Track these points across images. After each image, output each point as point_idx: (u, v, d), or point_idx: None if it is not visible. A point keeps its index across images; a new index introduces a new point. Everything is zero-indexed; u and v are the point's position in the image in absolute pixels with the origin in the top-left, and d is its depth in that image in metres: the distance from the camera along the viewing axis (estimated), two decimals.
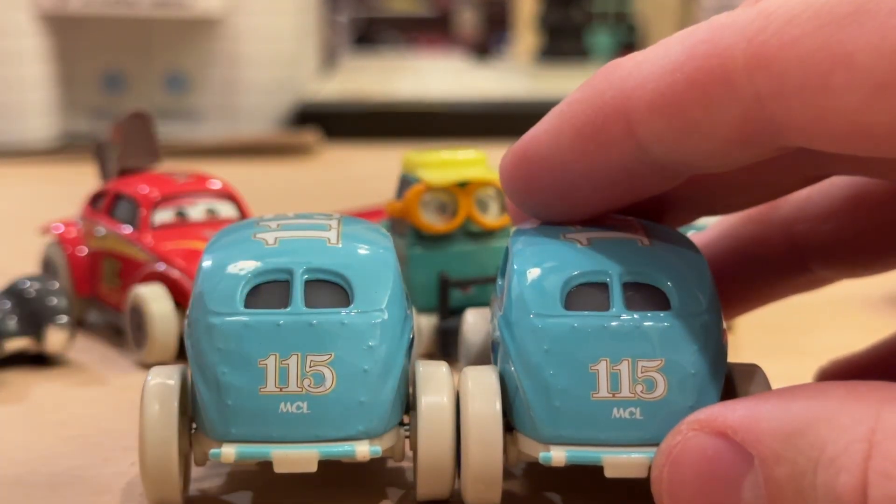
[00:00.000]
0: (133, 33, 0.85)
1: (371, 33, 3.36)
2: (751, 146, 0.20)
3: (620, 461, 0.21)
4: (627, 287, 0.22)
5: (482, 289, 0.35)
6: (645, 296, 0.22)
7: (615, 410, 0.21)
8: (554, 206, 0.24)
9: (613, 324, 0.21)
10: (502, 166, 0.24)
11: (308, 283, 0.22)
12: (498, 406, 0.22)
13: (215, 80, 0.86)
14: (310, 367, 0.22)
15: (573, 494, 0.25)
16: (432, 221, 0.35)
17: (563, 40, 1.60)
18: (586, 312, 0.22)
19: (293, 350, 0.22)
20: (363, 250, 0.23)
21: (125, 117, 0.40)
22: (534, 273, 0.22)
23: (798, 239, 0.27)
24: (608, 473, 0.21)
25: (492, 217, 0.35)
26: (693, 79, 0.19)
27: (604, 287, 0.22)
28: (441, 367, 0.23)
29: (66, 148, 0.78)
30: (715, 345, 0.22)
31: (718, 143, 0.20)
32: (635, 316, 0.22)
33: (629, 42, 1.64)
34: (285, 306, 0.22)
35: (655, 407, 0.21)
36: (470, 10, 3.52)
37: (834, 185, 0.26)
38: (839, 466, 0.17)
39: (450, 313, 0.35)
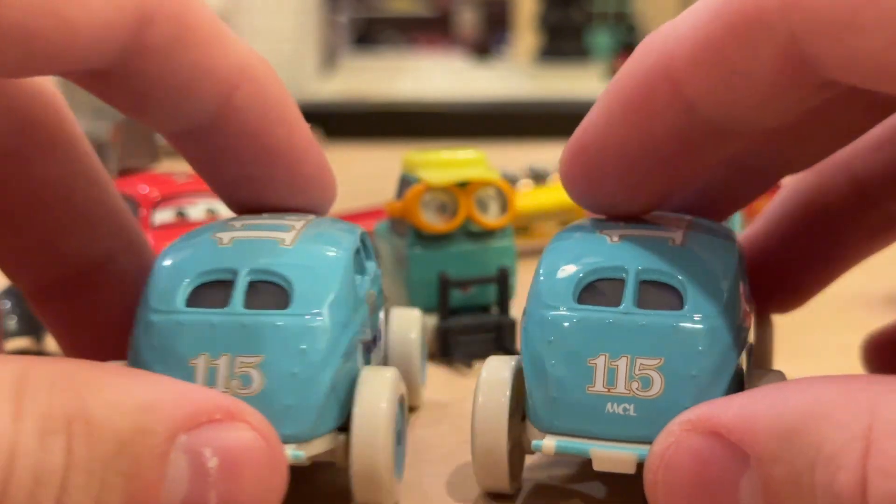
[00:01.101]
0: None
1: (371, 33, 3.37)
2: (793, 87, 0.20)
3: (608, 455, 0.21)
4: (645, 285, 0.22)
5: (482, 289, 0.35)
6: (660, 295, 0.22)
7: (609, 405, 0.21)
8: (616, 195, 0.23)
9: (616, 319, 0.22)
10: (561, 163, 0.23)
11: (252, 283, 0.22)
12: (505, 396, 0.23)
13: None
14: (238, 368, 0.21)
15: (598, 486, 0.25)
16: (432, 221, 0.35)
17: (563, 40, 1.60)
18: (592, 307, 0.22)
19: (224, 350, 0.21)
20: (314, 252, 0.23)
21: (125, 117, 0.40)
22: (554, 267, 0.23)
23: (860, 176, 0.27)
24: (596, 466, 0.22)
25: (492, 217, 0.35)
26: (730, 24, 0.19)
27: (620, 283, 0.22)
28: (385, 373, 0.23)
29: None
30: (722, 349, 0.22)
31: (762, 87, 0.20)
32: (640, 313, 0.22)
33: (629, 42, 1.64)
34: (225, 306, 0.22)
35: (650, 405, 0.21)
36: (470, 10, 3.52)
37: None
38: (837, 465, 0.17)
39: (450, 313, 0.35)
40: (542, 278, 0.23)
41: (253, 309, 0.22)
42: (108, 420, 0.17)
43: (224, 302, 0.22)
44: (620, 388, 0.21)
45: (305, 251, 0.23)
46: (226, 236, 0.23)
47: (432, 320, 0.35)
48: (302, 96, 0.92)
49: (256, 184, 0.24)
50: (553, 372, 0.22)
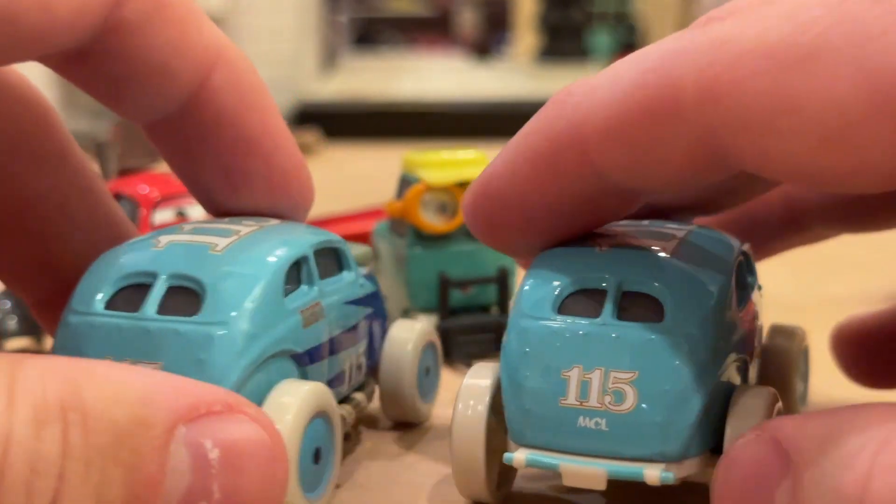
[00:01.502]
0: None
1: (371, 33, 3.37)
2: (706, 171, 0.20)
3: (578, 470, 0.21)
4: (627, 296, 0.22)
5: (482, 289, 0.35)
6: (641, 306, 0.21)
7: (581, 419, 0.21)
8: (517, 241, 0.24)
9: (591, 331, 0.21)
10: (464, 205, 0.24)
11: (171, 289, 0.22)
12: (483, 404, 0.22)
13: None
14: None
15: (597, 498, 0.24)
16: (432, 221, 0.35)
17: (563, 40, 1.60)
18: (569, 318, 0.21)
19: (126, 356, 0.21)
20: (239, 259, 0.22)
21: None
22: (538, 277, 0.22)
23: (795, 201, 0.27)
24: (566, 482, 0.21)
25: None
26: (644, 109, 0.19)
27: (601, 294, 0.22)
28: (302, 386, 0.22)
29: None
30: (699, 362, 0.21)
31: (674, 169, 0.20)
32: (616, 325, 0.21)
33: (629, 42, 1.64)
34: (138, 310, 0.21)
35: (622, 420, 0.21)
36: (470, 10, 3.53)
37: None
38: (847, 466, 0.17)
39: (450, 313, 0.35)
40: (525, 288, 0.22)
41: (165, 314, 0.21)
42: (104, 411, 0.17)
43: (139, 306, 0.21)
44: (593, 401, 0.21)
45: (232, 258, 0.22)
46: (165, 239, 0.23)
47: (432, 320, 0.35)
48: (302, 96, 0.92)
49: (233, 177, 0.24)
50: (527, 383, 0.21)
